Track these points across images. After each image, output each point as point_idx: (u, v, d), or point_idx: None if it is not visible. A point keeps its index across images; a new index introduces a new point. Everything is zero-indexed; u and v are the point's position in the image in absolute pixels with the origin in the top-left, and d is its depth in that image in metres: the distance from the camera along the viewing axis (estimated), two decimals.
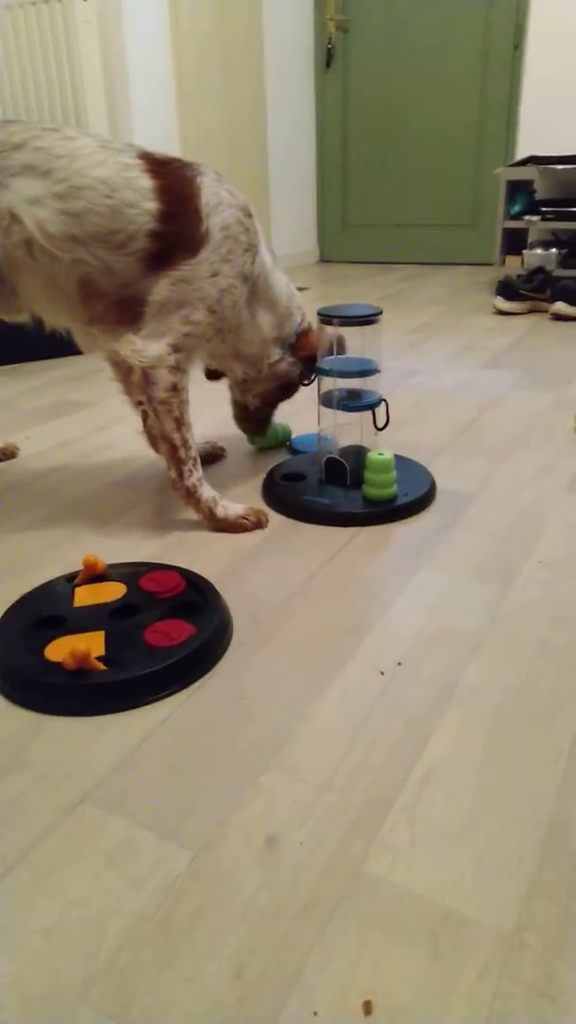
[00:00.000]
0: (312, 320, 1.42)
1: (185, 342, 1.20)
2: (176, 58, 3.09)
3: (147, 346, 1.18)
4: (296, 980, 0.58)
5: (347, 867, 0.66)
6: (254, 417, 1.53)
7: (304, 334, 1.42)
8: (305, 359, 1.43)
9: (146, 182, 1.15)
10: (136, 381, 1.21)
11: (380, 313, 1.30)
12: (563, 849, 0.68)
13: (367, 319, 1.30)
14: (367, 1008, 0.55)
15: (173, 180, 1.17)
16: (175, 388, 1.21)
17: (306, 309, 1.45)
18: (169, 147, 3.15)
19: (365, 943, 0.60)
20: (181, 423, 1.23)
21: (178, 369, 1.20)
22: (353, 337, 1.34)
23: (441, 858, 0.67)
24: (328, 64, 4.03)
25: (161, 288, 1.17)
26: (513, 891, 0.64)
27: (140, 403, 1.26)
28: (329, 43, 3.96)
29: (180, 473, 1.25)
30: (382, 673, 0.91)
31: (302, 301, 1.44)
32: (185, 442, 1.24)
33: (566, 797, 0.73)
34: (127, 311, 1.19)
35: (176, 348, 1.19)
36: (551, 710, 0.85)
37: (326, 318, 1.31)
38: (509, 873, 0.66)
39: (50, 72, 2.73)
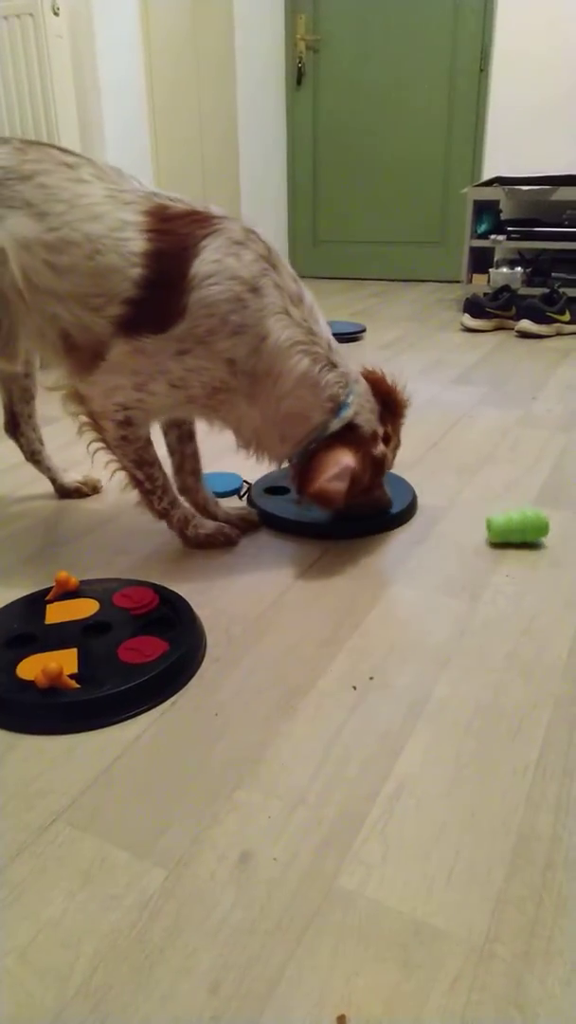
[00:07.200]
0: (367, 418, 1.18)
1: (139, 406, 1.12)
2: (149, 74, 3.11)
3: (94, 396, 1.12)
4: (271, 995, 0.58)
5: (320, 882, 0.67)
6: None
7: (326, 448, 1.15)
8: (306, 496, 1.18)
9: (138, 245, 1.05)
10: (87, 422, 1.17)
11: (363, 330, 1.31)
12: (530, 860, 0.69)
13: (350, 336, 1.30)
14: (341, 1022, 0.56)
15: (171, 243, 1.05)
16: (125, 439, 1.15)
17: (358, 402, 1.17)
18: (142, 163, 3.16)
19: (338, 957, 0.61)
20: (141, 463, 1.18)
21: (128, 424, 1.13)
22: None
23: (412, 871, 0.68)
24: (299, 82, 4.08)
25: (119, 350, 1.09)
26: (482, 902, 0.65)
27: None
28: (299, 62, 4.02)
29: (148, 502, 1.22)
30: (354, 688, 0.93)
31: (339, 392, 1.15)
32: (149, 476, 1.19)
33: (533, 808, 0.75)
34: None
35: (126, 407, 1.12)
36: (518, 722, 0.86)
37: None
38: (478, 884, 0.67)
39: (21, 86, 2.73)
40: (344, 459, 1.14)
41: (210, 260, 1.05)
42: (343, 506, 1.18)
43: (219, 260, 1.05)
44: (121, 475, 1.22)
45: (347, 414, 1.16)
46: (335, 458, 1.14)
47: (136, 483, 1.21)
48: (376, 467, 1.22)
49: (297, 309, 1.12)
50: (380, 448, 1.22)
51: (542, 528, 1.22)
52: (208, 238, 1.06)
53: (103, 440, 1.17)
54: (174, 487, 1.27)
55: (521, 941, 0.62)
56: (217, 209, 1.11)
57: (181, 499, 1.28)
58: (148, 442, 1.18)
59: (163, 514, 1.24)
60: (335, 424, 1.16)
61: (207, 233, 1.06)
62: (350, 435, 1.17)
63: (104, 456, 1.20)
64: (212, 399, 1.13)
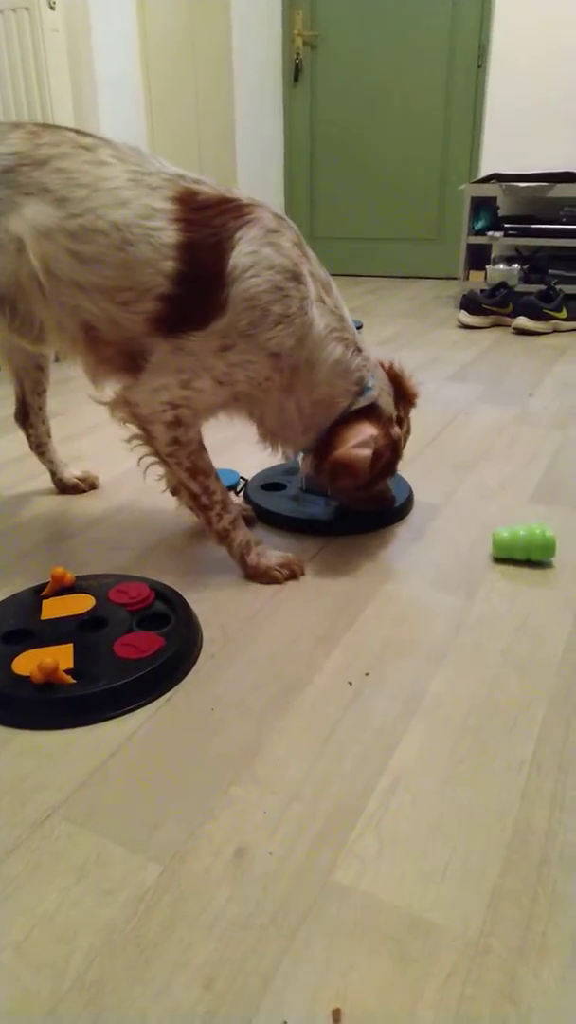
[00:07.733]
0: (383, 397, 1.18)
1: (186, 404, 1.07)
2: (145, 69, 3.10)
3: (141, 400, 1.07)
4: (266, 990, 0.58)
5: (315, 876, 0.67)
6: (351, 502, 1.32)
7: (347, 422, 1.15)
8: (327, 465, 1.15)
9: (169, 236, 1.00)
10: (137, 433, 1.12)
11: (360, 327, 1.31)
12: (525, 854, 0.69)
13: None
14: (336, 1016, 0.56)
15: (205, 235, 1.01)
16: (177, 442, 1.09)
17: (379, 385, 1.18)
18: None
19: (334, 951, 0.61)
20: (195, 471, 1.12)
21: (178, 424, 1.08)
22: None
23: (407, 866, 0.68)
24: (296, 79, 4.07)
25: (161, 351, 1.05)
26: (478, 897, 0.65)
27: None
28: (297, 58, 4.01)
29: (207, 520, 1.15)
30: (350, 684, 0.93)
31: (365, 375, 1.16)
32: (206, 488, 1.12)
33: (528, 803, 0.75)
34: (136, 359, 1.09)
35: (174, 406, 1.07)
36: (513, 718, 0.87)
37: None
38: (474, 879, 0.67)
39: (17, 81, 2.72)
40: (367, 429, 1.14)
41: (247, 252, 1.02)
42: (360, 486, 1.17)
43: (256, 251, 1.02)
44: (171, 494, 1.20)
45: (372, 394, 1.17)
46: (358, 429, 1.14)
47: (192, 497, 1.14)
48: (394, 450, 1.21)
49: (328, 296, 1.13)
50: (396, 430, 1.22)
51: (548, 548, 1.19)
52: (243, 228, 1.02)
53: (154, 450, 1.12)
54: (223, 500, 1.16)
55: (516, 936, 0.62)
56: (242, 194, 1.08)
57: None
58: (201, 446, 1.13)
59: (223, 536, 1.15)
60: (359, 403, 1.16)
61: (241, 224, 1.03)
62: (371, 412, 1.17)
63: (157, 470, 1.17)
64: (256, 392, 1.11)
